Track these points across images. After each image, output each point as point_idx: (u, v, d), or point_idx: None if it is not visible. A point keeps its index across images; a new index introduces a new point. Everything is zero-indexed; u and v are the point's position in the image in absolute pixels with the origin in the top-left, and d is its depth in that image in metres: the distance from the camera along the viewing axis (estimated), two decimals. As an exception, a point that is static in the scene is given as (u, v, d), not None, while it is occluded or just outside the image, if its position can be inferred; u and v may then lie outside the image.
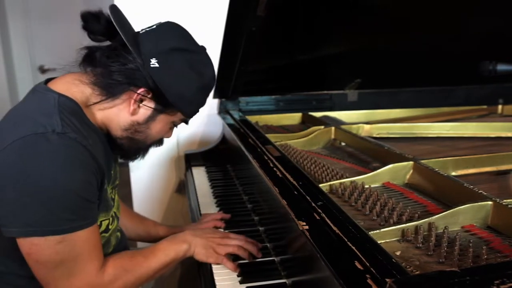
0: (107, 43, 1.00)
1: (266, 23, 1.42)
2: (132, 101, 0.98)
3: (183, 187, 2.16)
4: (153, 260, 1.02)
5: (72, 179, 0.86)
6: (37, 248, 0.86)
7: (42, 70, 3.76)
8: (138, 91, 0.97)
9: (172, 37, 1.00)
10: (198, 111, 1.09)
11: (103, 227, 1.03)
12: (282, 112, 1.96)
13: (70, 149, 0.87)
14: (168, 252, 1.05)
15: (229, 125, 1.71)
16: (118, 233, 1.17)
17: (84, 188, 0.89)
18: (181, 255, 1.07)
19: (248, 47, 1.54)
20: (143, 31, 1.00)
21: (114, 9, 0.98)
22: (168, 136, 1.14)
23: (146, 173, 2.16)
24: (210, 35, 1.96)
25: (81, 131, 0.92)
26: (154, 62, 0.95)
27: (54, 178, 0.84)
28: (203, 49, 1.05)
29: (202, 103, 1.07)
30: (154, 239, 1.33)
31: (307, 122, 1.90)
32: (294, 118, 1.96)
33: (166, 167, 2.19)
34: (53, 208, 0.84)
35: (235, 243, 1.12)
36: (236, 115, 1.83)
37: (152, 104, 1.00)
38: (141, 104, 0.99)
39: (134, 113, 1.00)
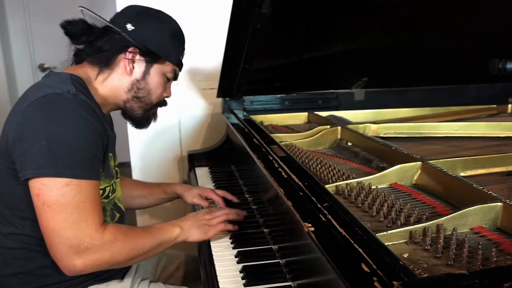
0: None
1: (271, 21, 1.41)
2: (127, 61, 1.18)
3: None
4: (150, 234, 1.11)
5: (85, 131, 1.02)
6: (46, 188, 0.96)
7: (43, 68, 3.76)
8: (128, 50, 1.17)
9: (133, 7, 1.23)
10: (181, 60, 1.29)
11: (106, 193, 1.15)
12: (287, 112, 1.95)
13: (83, 108, 1.03)
14: (163, 230, 1.14)
15: (233, 124, 1.70)
16: (118, 214, 1.25)
17: (94, 143, 1.04)
18: (174, 236, 1.16)
19: (252, 45, 1.53)
20: (111, 17, 1.22)
21: (84, 9, 1.19)
22: (168, 95, 1.31)
23: (148, 173, 2.15)
24: (213, 33, 1.97)
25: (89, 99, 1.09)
26: (130, 26, 1.16)
27: (70, 127, 1.00)
28: (160, 10, 1.26)
29: (180, 50, 1.28)
30: (173, 197, 1.56)
31: (313, 121, 1.89)
32: (299, 117, 1.95)
33: (169, 167, 2.19)
34: (65, 153, 0.98)
35: (222, 212, 1.27)
36: (241, 114, 1.82)
37: (142, 59, 1.19)
38: (134, 63, 1.19)
39: (131, 72, 1.19)
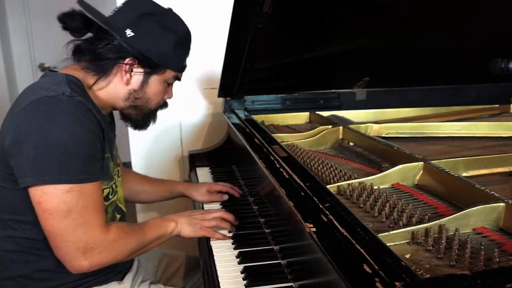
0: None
1: (272, 20, 1.40)
2: (123, 72, 1.12)
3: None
4: (148, 230, 1.15)
5: (81, 133, 0.99)
6: (46, 196, 0.96)
7: (43, 68, 3.74)
8: (125, 62, 1.11)
9: (137, 6, 1.13)
10: (184, 65, 1.23)
11: (104, 194, 1.13)
12: (288, 111, 1.94)
13: (78, 109, 1.00)
14: (159, 226, 1.19)
15: (234, 124, 1.70)
16: (118, 215, 1.25)
17: (91, 144, 1.01)
18: (170, 231, 1.20)
19: (253, 44, 1.52)
20: (112, 12, 1.13)
21: (82, 2, 1.12)
22: (169, 97, 1.27)
23: (149, 173, 2.12)
24: (214, 33, 1.97)
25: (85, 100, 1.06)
26: (129, 32, 1.08)
27: (66, 131, 0.97)
28: (169, 9, 1.17)
29: (184, 56, 1.22)
30: (175, 196, 1.57)
31: (314, 121, 1.88)
32: (301, 117, 1.94)
33: (170, 167, 2.18)
34: (63, 158, 0.96)
35: (217, 215, 1.28)
36: (242, 114, 1.82)
37: (141, 69, 1.13)
38: (132, 73, 1.13)
39: (128, 82, 1.14)
